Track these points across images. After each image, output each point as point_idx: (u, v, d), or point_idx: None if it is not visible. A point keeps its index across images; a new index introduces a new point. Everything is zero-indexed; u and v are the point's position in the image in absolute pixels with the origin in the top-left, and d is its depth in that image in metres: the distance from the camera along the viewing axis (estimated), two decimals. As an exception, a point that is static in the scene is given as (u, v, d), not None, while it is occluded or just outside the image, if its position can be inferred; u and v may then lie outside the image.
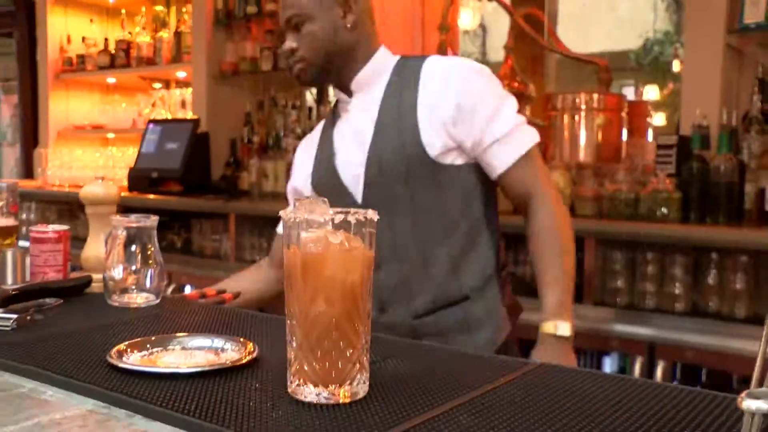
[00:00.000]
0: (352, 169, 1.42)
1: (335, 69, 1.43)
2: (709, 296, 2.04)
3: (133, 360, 0.84)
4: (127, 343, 0.88)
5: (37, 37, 4.73)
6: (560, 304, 1.30)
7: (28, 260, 1.26)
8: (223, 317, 1.08)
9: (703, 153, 2.19)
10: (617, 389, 0.77)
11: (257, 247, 3.37)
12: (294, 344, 0.72)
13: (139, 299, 1.16)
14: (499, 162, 1.36)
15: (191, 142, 3.57)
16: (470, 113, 1.35)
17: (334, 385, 0.70)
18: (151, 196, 3.46)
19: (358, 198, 1.41)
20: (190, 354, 0.86)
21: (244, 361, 0.82)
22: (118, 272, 1.16)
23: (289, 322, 0.72)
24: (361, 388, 0.72)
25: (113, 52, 4.47)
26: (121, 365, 0.81)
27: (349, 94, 1.46)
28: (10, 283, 1.25)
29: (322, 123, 1.60)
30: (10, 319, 0.99)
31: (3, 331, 0.98)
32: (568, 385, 0.78)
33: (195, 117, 3.79)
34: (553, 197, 1.38)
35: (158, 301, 1.18)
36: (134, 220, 1.17)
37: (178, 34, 4.23)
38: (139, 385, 0.76)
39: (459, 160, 1.37)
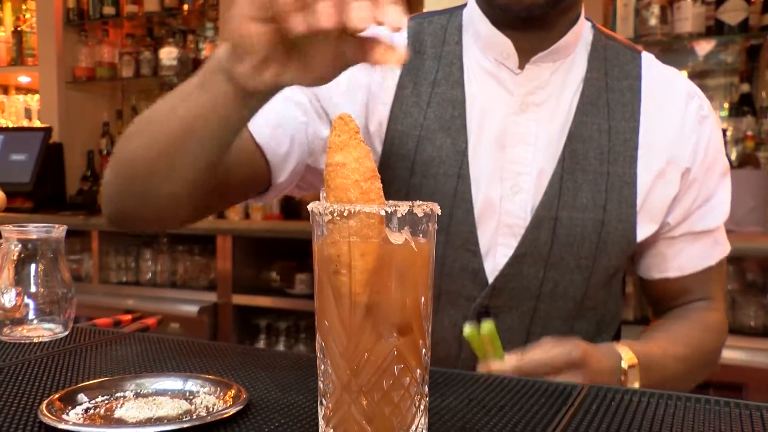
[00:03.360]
0: (485, 185, 0.95)
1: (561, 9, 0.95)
2: None
3: (76, 417, 0.61)
4: (62, 392, 0.64)
5: None
6: (651, 357, 0.92)
7: None
8: (168, 349, 0.85)
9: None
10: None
11: (124, 266, 3.03)
12: (333, 384, 0.53)
13: (41, 332, 0.90)
14: (685, 262, 1.03)
15: (42, 153, 3.16)
16: (698, 179, 1.00)
17: (397, 437, 0.52)
18: (-6, 214, 3.02)
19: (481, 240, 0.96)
20: (153, 403, 0.64)
21: (233, 410, 0.61)
22: (9, 298, 0.90)
23: (322, 353, 0.53)
24: (423, 437, 0.55)
25: (-68, 49, 3.91)
26: (62, 426, 0.57)
27: (521, 62, 0.97)
28: None
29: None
30: None
31: None
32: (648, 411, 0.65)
33: (45, 126, 3.37)
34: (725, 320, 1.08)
35: (67, 333, 0.92)
36: (33, 231, 0.91)
37: (18, 34, 3.78)
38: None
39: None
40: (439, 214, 0.54)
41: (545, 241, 0.94)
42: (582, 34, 1.01)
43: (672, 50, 2.90)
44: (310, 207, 0.53)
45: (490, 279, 0.96)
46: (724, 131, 2.63)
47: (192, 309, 2.76)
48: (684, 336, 1.00)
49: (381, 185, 0.53)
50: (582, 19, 1.00)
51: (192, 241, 2.98)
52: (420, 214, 0.52)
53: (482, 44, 0.99)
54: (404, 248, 0.51)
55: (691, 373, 1.00)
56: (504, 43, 0.96)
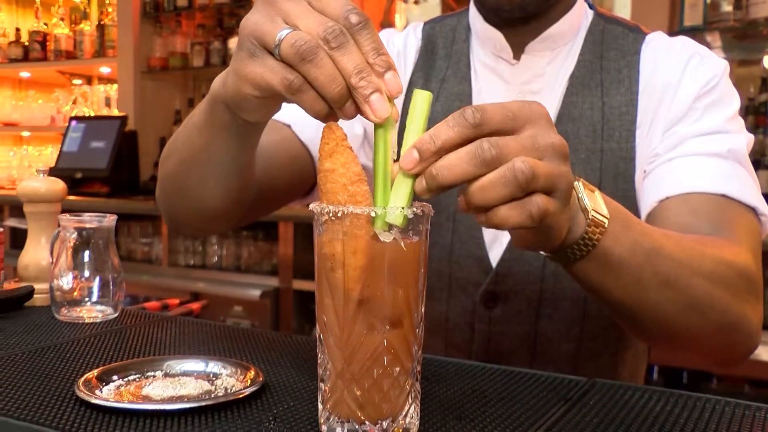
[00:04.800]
0: None
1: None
2: None
3: (108, 393, 0.67)
4: (99, 369, 0.70)
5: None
6: (630, 216, 0.70)
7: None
8: (204, 333, 0.92)
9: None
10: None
11: (191, 250, 3.17)
12: (329, 371, 0.57)
13: (94, 313, 0.98)
14: (683, 180, 0.90)
15: (118, 140, 3.33)
16: (693, 112, 0.94)
17: (386, 421, 0.56)
18: (74, 198, 3.19)
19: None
20: (178, 382, 0.69)
21: (247, 392, 0.66)
22: (67, 281, 0.98)
23: (320, 342, 0.58)
24: (414, 424, 0.58)
25: (26, 43, 4.15)
26: (94, 401, 0.64)
27: (516, 53, 1.00)
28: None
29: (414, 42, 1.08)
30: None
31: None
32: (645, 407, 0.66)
33: (122, 114, 3.54)
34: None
35: (117, 315, 1.00)
36: (87, 220, 0.99)
37: (101, 27, 3.97)
38: (114, 426, 0.60)
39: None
40: (432, 214, 0.57)
41: None
42: (581, 21, 1.01)
43: (747, 37, 2.80)
44: (311, 207, 0.58)
45: (494, 265, 0.98)
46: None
47: (255, 293, 2.86)
48: (680, 235, 0.78)
49: (367, 188, 0.56)
50: (579, 7, 1.00)
51: (255, 227, 3.08)
52: (409, 216, 0.55)
53: (480, 40, 1.03)
54: (393, 247, 0.55)
55: (691, 266, 0.73)
56: (496, 36, 0.99)
